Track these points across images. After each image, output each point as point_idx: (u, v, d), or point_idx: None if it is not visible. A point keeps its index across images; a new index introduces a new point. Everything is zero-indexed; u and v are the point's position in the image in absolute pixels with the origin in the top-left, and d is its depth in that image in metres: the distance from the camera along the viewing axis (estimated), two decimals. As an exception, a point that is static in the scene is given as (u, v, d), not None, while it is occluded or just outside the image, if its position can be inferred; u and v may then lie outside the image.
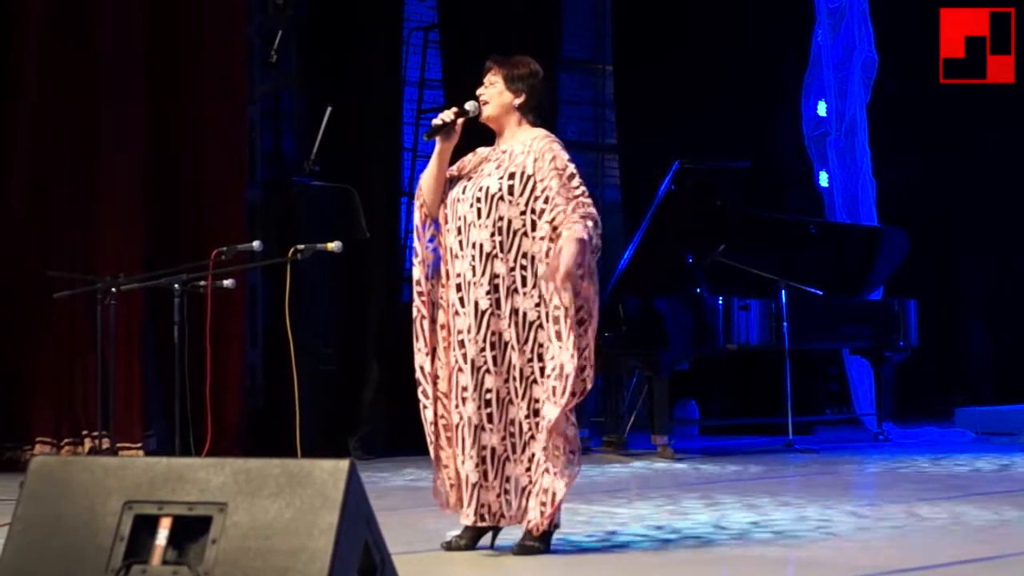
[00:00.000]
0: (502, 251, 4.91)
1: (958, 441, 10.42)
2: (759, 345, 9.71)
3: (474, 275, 4.94)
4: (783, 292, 9.71)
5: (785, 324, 9.67)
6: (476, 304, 4.93)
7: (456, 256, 5.01)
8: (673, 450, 9.15)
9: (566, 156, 5.00)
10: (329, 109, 9.45)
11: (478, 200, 4.97)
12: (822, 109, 11.84)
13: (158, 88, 8.83)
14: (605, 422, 10.10)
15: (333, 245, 6.13)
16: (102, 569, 3.14)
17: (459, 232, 5.00)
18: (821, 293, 10.30)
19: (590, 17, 13.56)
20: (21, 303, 8.52)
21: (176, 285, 6.32)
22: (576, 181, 4.94)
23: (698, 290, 9.58)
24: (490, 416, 4.91)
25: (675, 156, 9.61)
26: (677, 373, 9.64)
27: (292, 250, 6.14)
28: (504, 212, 4.93)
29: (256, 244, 6.69)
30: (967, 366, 13.70)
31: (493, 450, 4.91)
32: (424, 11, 11.76)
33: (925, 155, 13.53)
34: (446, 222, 5.06)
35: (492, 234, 4.93)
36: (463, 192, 5.02)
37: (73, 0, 8.68)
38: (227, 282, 6.58)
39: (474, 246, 4.95)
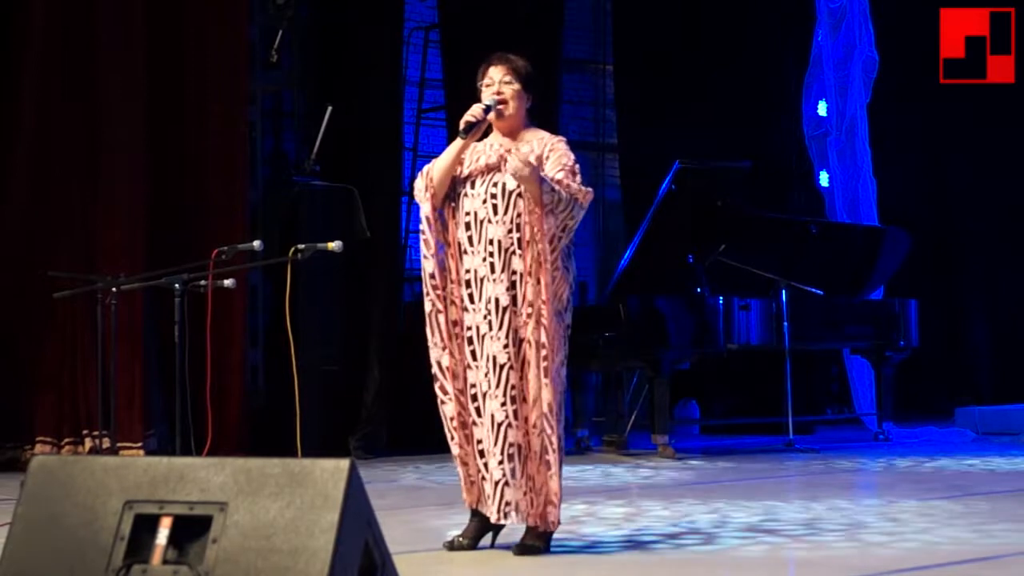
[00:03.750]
0: (519, 247, 4.91)
1: (958, 441, 10.43)
2: (760, 345, 9.71)
3: (492, 272, 4.93)
4: (784, 292, 9.71)
5: (786, 324, 9.67)
6: (497, 301, 4.91)
7: (466, 252, 4.99)
8: (674, 450, 9.16)
9: (573, 156, 5.03)
10: (329, 109, 9.45)
11: (493, 196, 4.95)
12: (823, 109, 11.84)
13: (159, 88, 8.84)
14: (605, 422, 10.12)
15: (334, 245, 6.12)
16: (103, 569, 3.14)
17: (468, 228, 4.98)
18: (822, 293, 10.30)
19: (591, 17, 13.56)
20: (22, 303, 8.53)
21: (177, 285, 6.31)
22: (578, 179, 4.96)
23: (699, 290, 9.58)
24: (515, 413, 4.91)
25: (675, 156, 9.61)
26: (678, 373, 9.64)
27: (293, 250, 6.13)
28: (521, 208, 4.92)
29: (257, 244, 6.68)
30: (968, 366, 13.70)
31: (519, 447, 4.91)
32: (424, 11, 11.76)
33: (925, 155, 13.54)
34: (452, 217, 5.04)
35: (509, 231, 4.92)
36: (471, 187, 5.00)
37: (74, 0, 8.68)
38: (228, 282, 6.57)
39: (491, 243, 4.94)
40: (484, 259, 4.93)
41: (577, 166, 4.99)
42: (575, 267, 5.02)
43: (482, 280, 4.93)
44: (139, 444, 8.39)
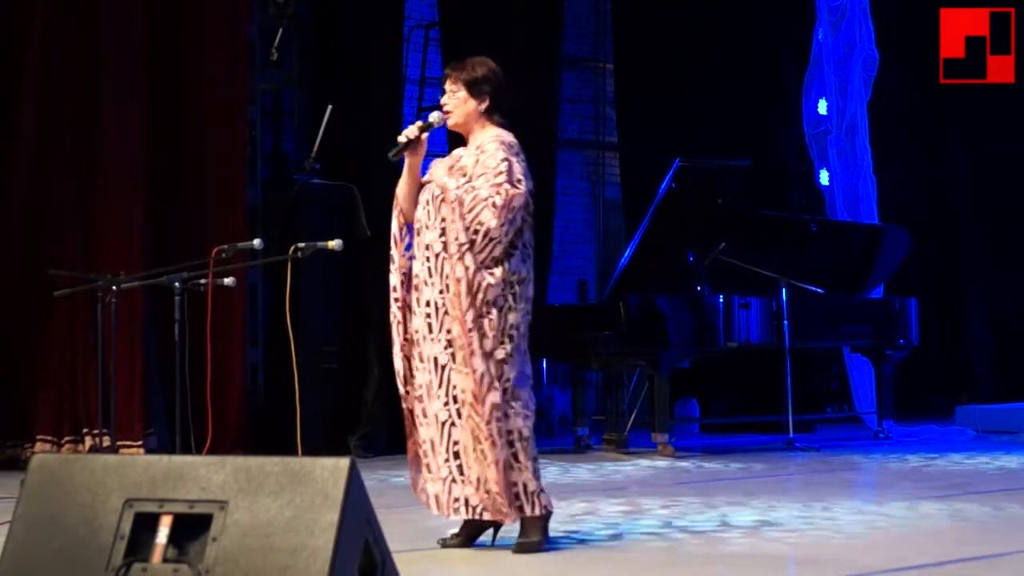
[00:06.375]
0: (446, 251, 4.98)
1: (958, 439, 10.43)
2: (760, 343, 9.71)
3: (429, 276, 5.03)
4: (784, 290, 9.71)
5: (786, 322, 9.68)
6: (435, 304, 5.02)
7: (414, 257, 5.13)
8: (674, 448, 9.16)
9: (501, 155, 5.02)
10: (330, 107, 9.45)
11: (427, 203, 5.09)
12: (823, 107, 11.84)
13: (159, 87, 8.83)
14: (606, 420, 10.11)
15: (334, 243, 6.14)
16: (103, 567, 3.14)
17: (418, 234, 5.12)
18: (822, 291, 10.30)
19: (591, 15, 13.56)
20: (22, 302, 8.53)
21: (177, 283, 6.32)
22: (502, 178, 4.95)
23: (699, 288, 9.59)
24: (459, 412, 4.95)
25: (676, 154, 9.62)
26: (678, 371, 9.64)
27: (293, 248, 6.14)
28: (445, 213, 4.98)
29: (257, 242, 6.69)
30: (968, 364, 13.70)
31: (466, 446, 4.94)
32: (425, 9, 11.77)
33: (926, 154, 13.54)
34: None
35: (440, 234, 5.00)
36: (422, 195, 5.11)
37: (74, 0, 8.68)
38: (228, 280, 6.57)
39: (427, 248, 5.04)
40: (423, 264, 5.05)
41: (505, 164, 4.99)
42: (524, 267, 5.03)
43: (423, 284, 5.05)
44: (139, 443, 8.39)
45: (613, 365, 9.74)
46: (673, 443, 9.21)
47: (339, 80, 9.92)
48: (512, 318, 4.98)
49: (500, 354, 4.95)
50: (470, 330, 4.89)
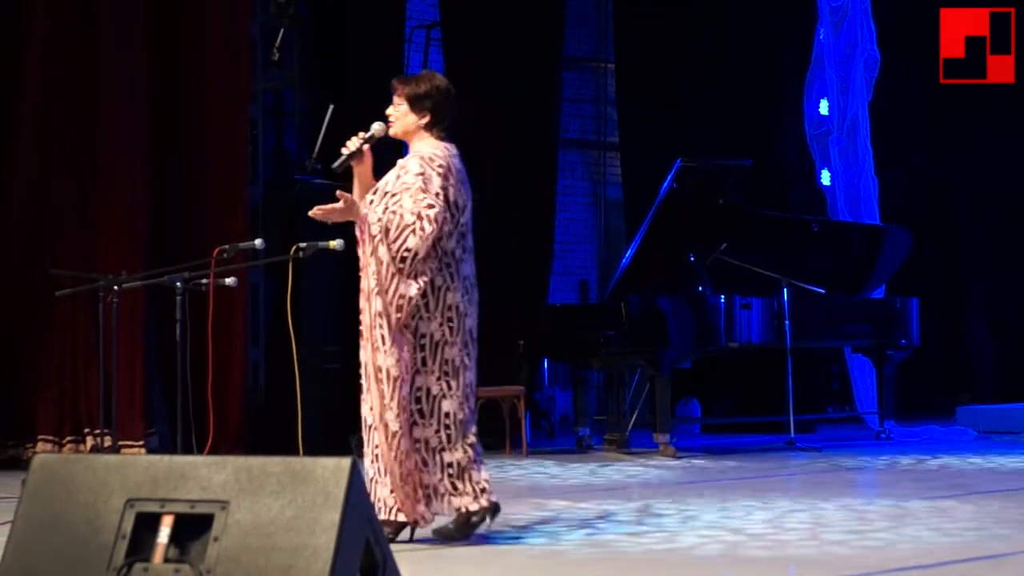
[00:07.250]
0: (379, 284, 5.09)
1: (960, 439, 10.43)
2: (761, 343, 9.71)
3: (363, 285, 5.15)
4: (785, 290, 9.71)
5: (787, 322, 9.67)
6: (368, 311, 5.12)
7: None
8: (675, 448, 9.16)
9: (416, 170, 5.06)
10: (331, 107, 9.44)
11: (363, 242, 5.17)
12: (824, 107, 11.83)
13: (160, 87, 8.84)
14: (607, 420, 10.12)
15: (335, 243, 6.12)
16: (104, 567, 3.14)
17: (361, 270, 5.21)
18: (823, 291, 10.30)
19: (592, 15, 13.56)
20: (23, 302, 8.54)
21: (178, 283, 6.32)
22: (422, 195, 4.99)
23: (700, 288, 9.59)
24: (379, 416, 5.04)
25: (677, 154, 9.61)
26: (679, 371, 9.64)
27: (294, 248, 6.13)
28: (378, 253, 5.07)
29: (258, 242, 6.69)
30: (969, 364, 13.70)
31: (382, 450, 5.05)
32: (426, 9, 11.77)
33: (926, 154, 13.54)
34: None
35: (374, 271, 5.10)
36: (356, 232, 5.24)
37: (74, 0, 8.68)
38: (229, 280, 6.58)
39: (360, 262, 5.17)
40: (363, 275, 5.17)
41: (421, 179, 5.02)
42: (441, 276, 5.04)
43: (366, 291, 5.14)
44: (140, 442, 8.40)
45: (614, 365, 9.75)
46: (674, 443, 9.21)
47: (340, 80, 9.92)
48: (425, 328, 5.03)
49: (399, 360, 5.04)
50: (385, 342, 5.00)
